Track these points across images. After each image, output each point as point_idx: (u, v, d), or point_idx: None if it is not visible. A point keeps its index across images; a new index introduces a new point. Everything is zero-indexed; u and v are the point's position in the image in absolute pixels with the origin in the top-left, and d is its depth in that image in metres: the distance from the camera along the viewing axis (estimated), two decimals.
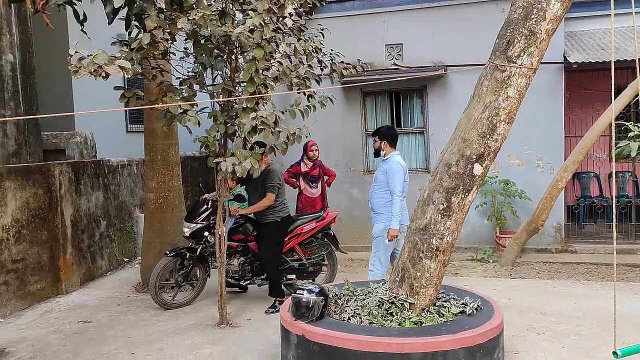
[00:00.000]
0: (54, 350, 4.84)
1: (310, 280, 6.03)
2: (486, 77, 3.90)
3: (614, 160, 4.60)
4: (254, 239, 6.13)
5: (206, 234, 5.96)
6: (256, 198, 5.94)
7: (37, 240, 6.38)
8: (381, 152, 5.51)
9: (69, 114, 6.57)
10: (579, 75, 8.55)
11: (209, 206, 5.98)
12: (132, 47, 4.41)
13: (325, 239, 6.43)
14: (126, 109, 4.55)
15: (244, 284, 6.23)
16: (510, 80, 3.79)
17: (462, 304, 4.19)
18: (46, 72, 8.28)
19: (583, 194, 9.87)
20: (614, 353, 2.66)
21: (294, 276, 6.26)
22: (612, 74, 3.15)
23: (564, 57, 8.06)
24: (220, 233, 5.34)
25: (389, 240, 5.33)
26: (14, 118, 6.64)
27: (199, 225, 5.93)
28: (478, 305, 4.17)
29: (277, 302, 5.87)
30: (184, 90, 5.11)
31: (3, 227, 5.91)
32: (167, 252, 5.97)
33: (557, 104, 8.20)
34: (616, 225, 8.00)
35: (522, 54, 3.77)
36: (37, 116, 6.77)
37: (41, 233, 6.44)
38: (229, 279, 6.02)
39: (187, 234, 5.99)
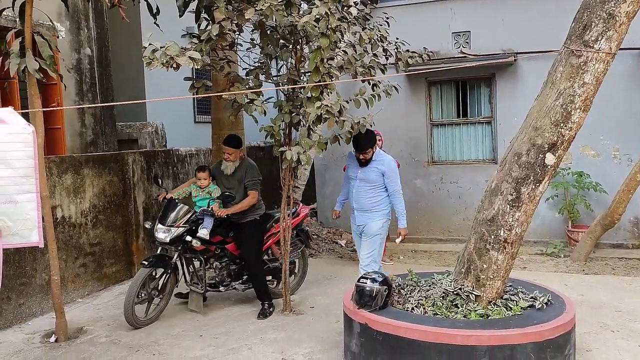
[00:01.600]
0: (127, 329, 5.09)
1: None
2: (561, 62, 3.74)
3: None
4: (232, 240, 5.60)
5: (189, 238, 5.20)
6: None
7: (112, 226, 6.71)
8: (373, 156, 5.16)
9: (142, 101, 6.85)
10: None
11: (183, 208, 5.29)
12: (201, 38, 4.53)
13: (299, 237, 6.03)
14: (195, 96, 4.70)
15: (224, 290, 5.60)
16: (586, 65, 3.62)
17: (532, 297, 4.07)
18: (120, 65, 8.66)
19: None
20: None
21: (269, 277, 5.85)
22: None
23: None
24: (285, 220, 5.39)
25: (401, 241, 5.25)
26: (92, 105, 7.00)
27: (181, 230, 5.19)
28: (548, 300, 4.04)
29: (266, 305, 5.47)
30: (250, 81, 5.21)
31: (82, 212, 6.26)
32: (145, 262, 5.13)
33: (637, 91, 7.74)
34: None
35: (599, 38, 3.59)
36: (112, 104, 7.10)
37: (116, 218, 6.77)
38: (207, 286, 5.52)
39: (166, 240, 5.15)
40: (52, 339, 4.95)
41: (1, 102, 6.35)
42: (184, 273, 5.53)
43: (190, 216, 5.27)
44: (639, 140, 7.78)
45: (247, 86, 5.04)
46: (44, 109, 4.69)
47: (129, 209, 6.98)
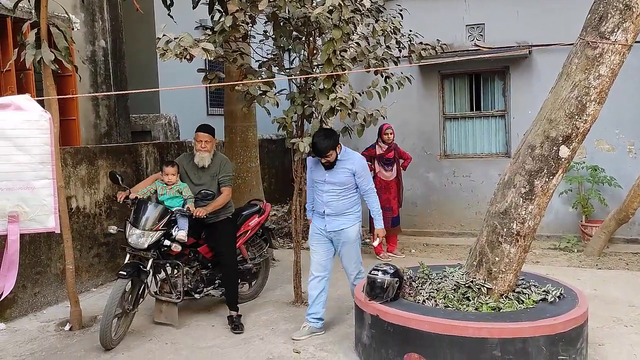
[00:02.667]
0: (140, 318, 5.15)
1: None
2: (576, 54, 3.70)
3: None
4: (204, 242, 5.13)
5: (167, 242, 4.66)
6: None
7: (125, 216, 6.76)
8: (338, 156, 4.58)
9: (155, 89, 6.87)
10: None
11: (159, 208, 4.70)
12: (214, 30, 4.55)
13: (264, 236, 5.74)
14: (209, 85, 4.73)
15: (199, 297, 5.12)
16: (602, 57, 3.58)
17: (544, 291, 4.05)
18: (134, 58, 8.71)
19: None
20: None
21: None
22: None
23: None
24: (295, 210, 5.39)
25: (379, 243, 4.92)
26: (105, 94, 7.05)
27: (159, 233, 4.62)
28: (561, 294, 4.02)
29: (236, 315, 4.99)
30: (263, 73, 5.22)
31: (96, 202, 6.32)
32: (122, 273, 4.48)
33: None
34: None
35: (616, 30, 3.54)
36: (126, 92, 7.13)
37: (129, 209, 6.82)
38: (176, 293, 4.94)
39: (144, 245, 4.55)
40: (67, 327, 5.02)
41: (17, 93, 6.42)
42: (154, 282, 4.98)
43: (169, 218, 4.69)
44: None
45: (259, 78, 5.06)
46: (59, 97, 4.73)
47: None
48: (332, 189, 4.61)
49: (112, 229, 4.87)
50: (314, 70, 5.20)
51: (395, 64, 5.58)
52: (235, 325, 4.88)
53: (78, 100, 7.04)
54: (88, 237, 6.20)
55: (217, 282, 5.27)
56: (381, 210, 4.77)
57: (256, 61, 5.61)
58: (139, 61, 8.85)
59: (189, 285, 5.03)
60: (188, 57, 4.12)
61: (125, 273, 4.46)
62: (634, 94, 7.58)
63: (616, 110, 7.20)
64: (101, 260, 6.40)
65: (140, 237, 4.55)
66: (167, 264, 4.91)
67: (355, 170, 4.59)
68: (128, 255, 4.71)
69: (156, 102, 9.07)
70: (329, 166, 4.58)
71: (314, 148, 4.52)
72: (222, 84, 5.09)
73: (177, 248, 4.70)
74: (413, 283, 4.33)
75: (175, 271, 4.95)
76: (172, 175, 4.85)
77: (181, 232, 4.68)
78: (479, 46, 8.41)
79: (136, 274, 4.57)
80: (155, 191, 4.92)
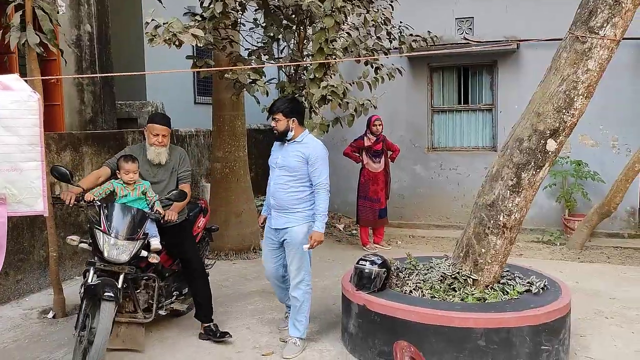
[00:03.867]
0: None
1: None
2: (565, 48, 3.73)
3: None
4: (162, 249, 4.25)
5: (144, 253, 3.93)
6: (162, 190, 4.23)
7: (86, 223, 6.68)
8: (289, 132, 4.10)
9: (141, 73, 6.75)
10: None
11: (138, 212, 3.93)
12: (204, 16, 4.50)
13: (206, 238, 5.08)
14: (197, 70, 4.67)
15: (163, 313, 4.42)
16: (591, 52, 3.61)
17: (528, 282, 4.10)
18: (120, 43, 8.58)
19: None
20: None
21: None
22: None
23: None
24: None
25: (310, 248, 4.03)
26: (91, 75, 6.95)
27: (141, 242, 3.89)
28: (545, 285, 4.08)
29: (216, 326, 4.44)
30: (252, 61, 5.19)
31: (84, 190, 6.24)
32: (110, 295, 3.59)
33: (637, 81, 7.74)
34: None
35: (605, 25, 3.58)
36: (112, 74, 7.02)
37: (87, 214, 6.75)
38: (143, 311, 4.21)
39: (126, 258, 3.77)
40: (50, 315, 4.97)
41: None
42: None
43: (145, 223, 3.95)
44: (638, 130, 7.80)
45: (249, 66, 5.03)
46: (43, 77, 4.64)
47: None
48: (281, 176, 4.11)
49: (73, 240, 3.93)
50: (305, 59, 5.17)
51: (386, 55, 5.57)
52: (222, 334, 4.36)
53: (62, 85, 6.93)
54: (72, 225, 6.13)
55: (175, 293, 4.64)
56: (326, 213, 4.09)
57: (245, 49, 5.57)
58: (125, 47, 8.72)
59: (149, 301, 4.25)
60: (177, 43, 4.08)
61: (113, 295, 3.60)
62: (618, 90, 7.67)
63: (600, 106, 7.28)
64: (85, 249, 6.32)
65: (122, 249, 3.75)
66: (143, 279, 4.18)
67: (309, 156, 4.03)
68: (92, 272, 3.75)
69: (143, 90, 8.96)
70: (281, 139, 4.12)
71: (269, 110, 4.16)
72: (213, 68, 5.02)
73: (155, 258, 4.04)
74: (400, 274, 4.35)
75: (142, 286, 4.23)
76: (133, 173, 4.07)
77: (155, 241, 4.06)
78: (467, 40, 8.44)
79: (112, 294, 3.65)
80: (112, 192, 4.07)
